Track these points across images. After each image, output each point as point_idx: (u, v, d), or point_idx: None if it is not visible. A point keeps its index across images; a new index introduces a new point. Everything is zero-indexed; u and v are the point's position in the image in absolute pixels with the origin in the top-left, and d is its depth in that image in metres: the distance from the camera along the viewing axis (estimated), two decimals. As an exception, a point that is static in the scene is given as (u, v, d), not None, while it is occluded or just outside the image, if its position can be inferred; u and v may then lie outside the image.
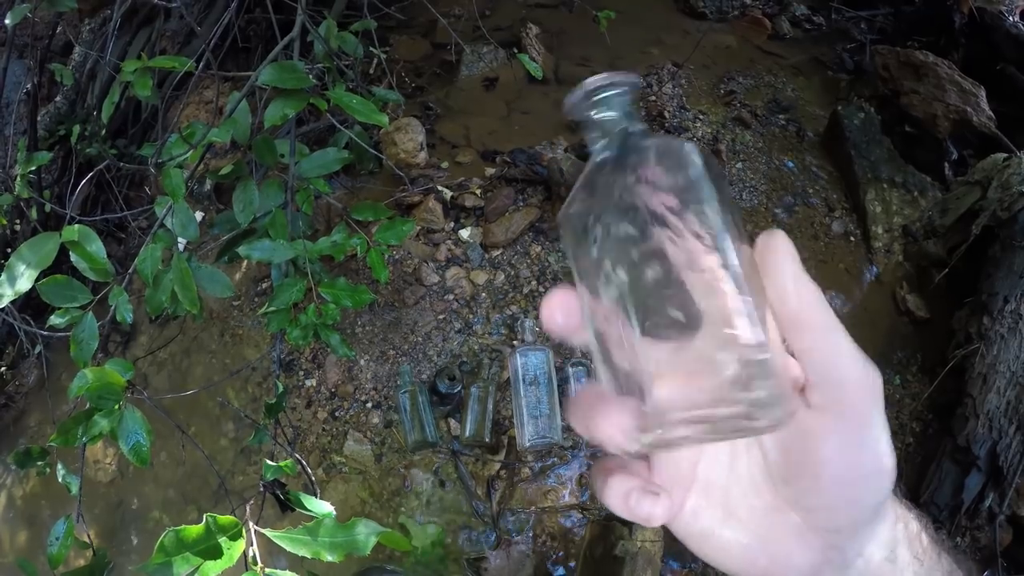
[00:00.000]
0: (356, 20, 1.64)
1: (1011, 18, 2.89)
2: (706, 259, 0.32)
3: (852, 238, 2.35)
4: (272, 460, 1.04)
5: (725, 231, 0.33)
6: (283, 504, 1.13)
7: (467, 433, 1.80)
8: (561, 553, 1.73)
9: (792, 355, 0.35)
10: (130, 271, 1.21)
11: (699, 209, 0.33)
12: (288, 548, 0.75)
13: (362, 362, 1.96)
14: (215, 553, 0.70)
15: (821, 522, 0.37)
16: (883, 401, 0.36)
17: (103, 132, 2.18)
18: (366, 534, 0.74)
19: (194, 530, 0.70)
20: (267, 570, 0.73)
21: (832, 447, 0.35)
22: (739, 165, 2.50)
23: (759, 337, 0.31)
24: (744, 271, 0.33)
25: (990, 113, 2.47)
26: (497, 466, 1.82)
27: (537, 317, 2.02)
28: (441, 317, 2.02)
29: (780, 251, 0.36)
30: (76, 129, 2.08)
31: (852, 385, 0.35)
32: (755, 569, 0.40)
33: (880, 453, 0.35)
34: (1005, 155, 2.24)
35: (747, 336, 0.31)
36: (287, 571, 0.77)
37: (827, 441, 0.35)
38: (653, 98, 2.70)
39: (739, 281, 0.32)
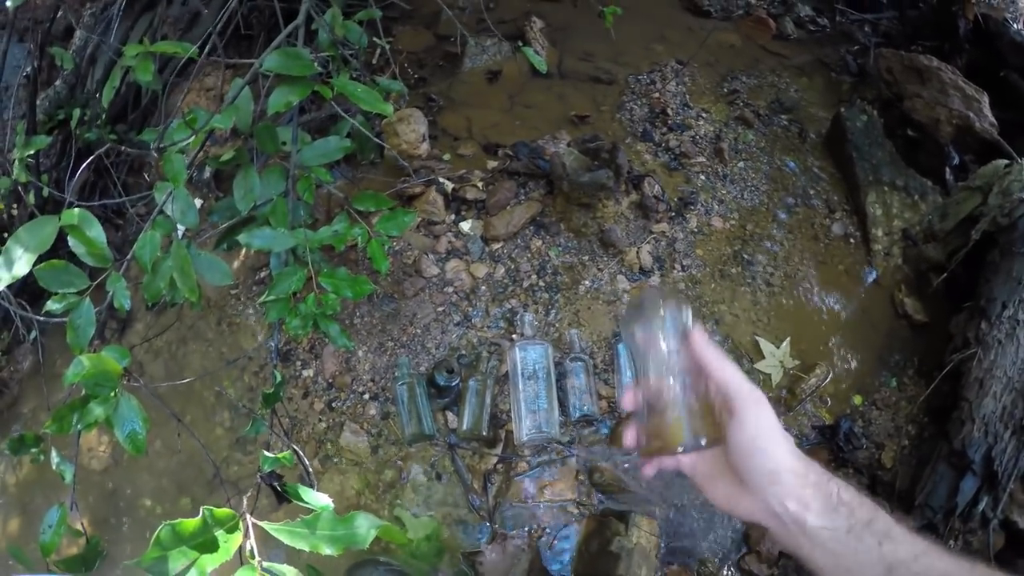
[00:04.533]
0: (360, 9, 1.63)
1: (1015, 25, 2.89)
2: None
3: (852, 240, 2.35)
4: (268, 451, 1.03)
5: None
6: (279, 496, 1.13)
7: (464, 426, 1.79)
8: (557, 548, 1.73)
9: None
10: (128, 257, 1.20)
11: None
12: (286, 541, 0.74)
13: (360, 353, 1.95)
14: (211, 547, 0.69)
15: (743, 479, 0.65)
16: (769, 408, 0.65)
17: (103, 117, 2.16)
18: (365, 527, 0.73)
19: (190, 524, 0.69)
20: (265, 563, 0.72)
21: (734, 432, 0.65)
22: (741, 164, 2.50)
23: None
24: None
25: (992, 119, 2.47)
26: (494, 460, 1.82)
27: (536, 311, 2.01)
28: (440, 309, 2.01)
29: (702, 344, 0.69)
30: (76, 113, 2.06)
31: (742, 399, 0.65)
32: (723, 504, 0.69)
33: (764, 438, 0.63)
34: (1006, 161, 2.24)
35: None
36: (283, 564, 0.76)
37: (732, 429, 0.65)
38: (656, 95, 2.69)
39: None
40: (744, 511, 0.66)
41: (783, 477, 0.62)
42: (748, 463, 0.64)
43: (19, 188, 1.84)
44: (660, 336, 0.69)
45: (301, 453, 1.35)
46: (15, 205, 2.05)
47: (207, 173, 2.25)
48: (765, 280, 2.20)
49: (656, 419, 0.70)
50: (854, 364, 2.10)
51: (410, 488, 1.78)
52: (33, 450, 1.24)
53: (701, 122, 2.62)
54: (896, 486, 1.86)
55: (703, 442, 0.67)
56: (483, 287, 2.06)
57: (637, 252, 2.16)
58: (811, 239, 2.34)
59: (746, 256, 2.24)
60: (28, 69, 2.16)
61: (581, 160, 2.15)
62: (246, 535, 0.77)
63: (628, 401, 0.73)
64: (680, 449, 0.67)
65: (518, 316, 1.99)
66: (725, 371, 0.67)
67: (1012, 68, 2.73)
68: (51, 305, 1.12)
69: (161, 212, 1.20)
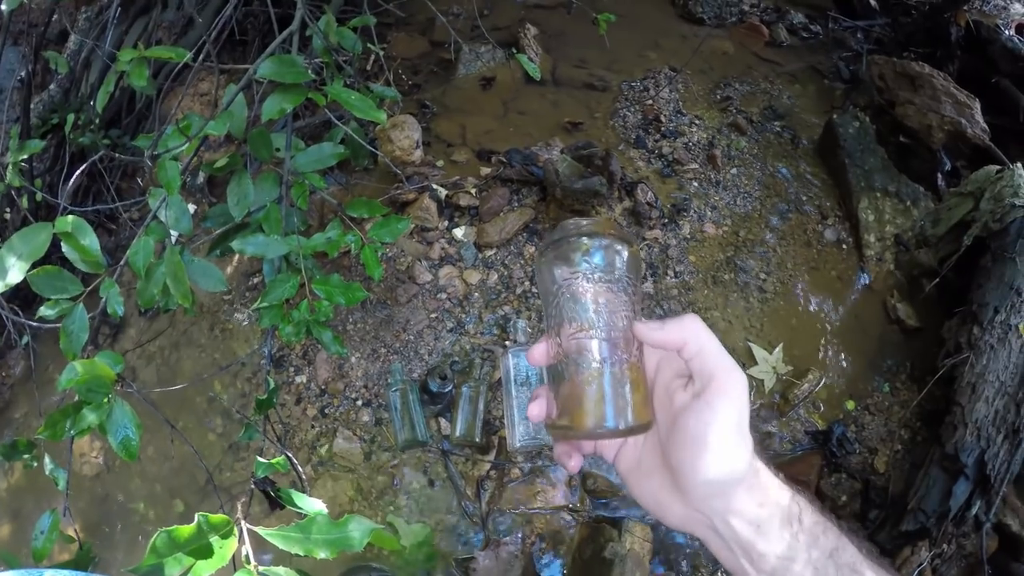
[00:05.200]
0: (355, 15, 1.63)
1: (1007, 32, 2.92)
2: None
3: (844, 246, 2.36)
4: (261, 457, 1.03)
5: None
6: (272, 501, 1.12)
7: (457, 433, 1.79)
8: (550, 554, 1.73)
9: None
10: (121, 263, 1.20)
11: None
12: (281, 546, 0.74)
13: (353, 359, 1.95)
14: (207, 553, 0.69)
15: (679, 482, 0.50)
16: (743, 402, 0.49)
17: (97, 121, 2.15)
18: (360, 532, 0.73)
19: (186, 530, 0.69)
20: (261, 568, 0.72)
21: (682, 420, 0.50)
22: (733, 171, 2.51)
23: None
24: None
25: (984, 125, 2.49)
26: (487, 466, 1.82)
27: (529, 318, 2.01)
28: (433, 316, 2.02)
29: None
30: (70, 118, 2.06)
31: (717, 377, 0.49)
32: (651, 507, 0.55)
33: (724, 440, 0.48)
34: (998, 167, 2.26)
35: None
36: (277, 567, 0.76)
37: (681, 415, 0.50)
38: (650, 102, 2.70)
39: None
40: (675, 520, 0.53)
41: (733, 489, 0.49)
42: (691, 463, 0.49)
43: (12, 192, 1.83)
44: (582, 278, 0.54)
45: (294, 459, 1.35)
46: (9, 210, 2.05)
47: (201, 179, 2.24)
48: (758, 286, 2.21)
49: (566, 388, 0.53)
50: (847, 369, 2.11)
51: (403, 494, 1.78)
52: (26, 456, 1.24)
53: (694, 129, 2.63)
54: (889, 490, 1.86)
55: (625, 426, 0.51)
56: (476, 293, 2.06)
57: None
58: (804, 245, 2.35)
59: (739, 262, 2.25)
60: (22, 73, 2.16)
61: (574, 167, 2.16)
62: (241, 541, 0.77)
63: (537, 354, 0.56)
64: (592, 431, 0.52)
65: (511, 322, 1.99)
66: (695, 335, 0.51)
67: (1004, 74, 2.75)
68: (44, 311, 1.12)
69: (155, 218, 1.20)
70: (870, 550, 0.51)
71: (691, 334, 0.51)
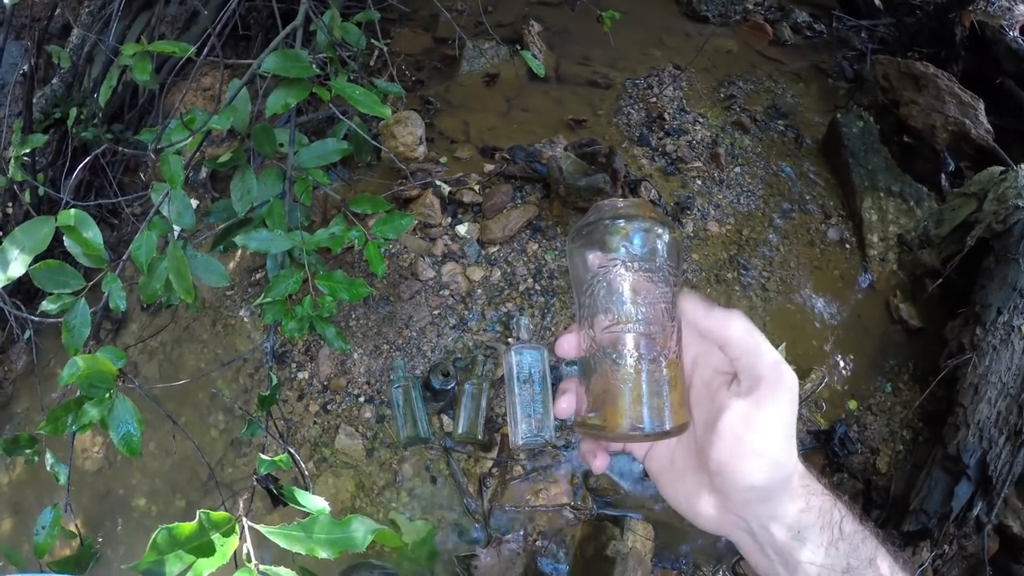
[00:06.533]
0: (358, 11, 1.63)
1: (1011, 33, 2.91)
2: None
3: (847, 245, 2.36)
4: (263, 453, 1.03)
5: None
6: (275, 498, 1.12)
7: (460, 430, 1.79)
8: (552, 552, 1.73)
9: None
10: (124, 258, 1.20)
11: None
12: (283, 544, 0.74)
13: (355, 356, 1.94)
14: (208, 550, 0.69)
15: (719, 484, 0.48)
16: (794, 405, 0.46)
17: (100, 116, 2.15)
18: (362, 531, 0.73)
19: (187, 527, 0.69)
20: (261, 567, 0.72)
21: (727, 421, 0.46)
22: (737, 169, 2.50)
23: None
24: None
25: (988, 126, 2.48)
26: (489, 464, 1.82)
27: (532, 315, 2.01)
28: (436, 312, 2.01)
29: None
30: (72, 112, 2.05)
31: (765, 377, 0.46)
32: (682, 508, 0.52)
33: (768, 440, 0.45)
34: (1002, 168, 2.26)
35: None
36: (277, 566, 0.76)
37: (726, 416, 0.47)
38: (654, 100, 2.69)
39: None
40: (709, 522, 0.51)
41: (778, 495, 0.47)
42: (735, 466, 0.46)
43: (15, 187, 1.83)
44: (620, 265, 0.49)
45: (296, 456, 1.35)
46: (11, 204, 2.04)
47: (204, 174, 2.24)
48: (761, 285, 2.21)
49: (599, 384, 0.49)
50: (849, 369, 2.10)
51: (405, 491, 1.78)
52: (27, 451, 1.24)
53: (698, 127, 2.62)
54: (891, 491, 1.86)
55: (662, 429, 0.48)
56: (479, 290, 2.06)
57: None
58: (807, 244, 2.34)
59: (742, 261, 2.24)
60: (25, 67, 2.15)
61: (578, 164, 2.15)
62: (242, 538, 0.76)
63: (567, 345, 0.52)
64: (626, 433, 0.48)
65: (514, 319, 1.99)
66: (744, 332, 0.48)
67: (1008, 75, 2.75)
68: (46, 305, 1.11)
69: (157, 213, 1.20)
70: (907, 561, 0.50)
71: (740, 331, 0.48)
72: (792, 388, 0.46)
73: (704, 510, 0.50)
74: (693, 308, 0.50)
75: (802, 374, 2.03)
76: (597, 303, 0.50)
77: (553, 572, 1.71)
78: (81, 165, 1.45)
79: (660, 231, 0.50)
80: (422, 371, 1.91)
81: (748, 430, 0.46)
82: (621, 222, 0.50)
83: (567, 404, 0.52)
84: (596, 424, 0.49)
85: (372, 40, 1.69)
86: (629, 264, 0.49)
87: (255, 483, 1.09)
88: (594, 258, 0.50)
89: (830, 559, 0.47)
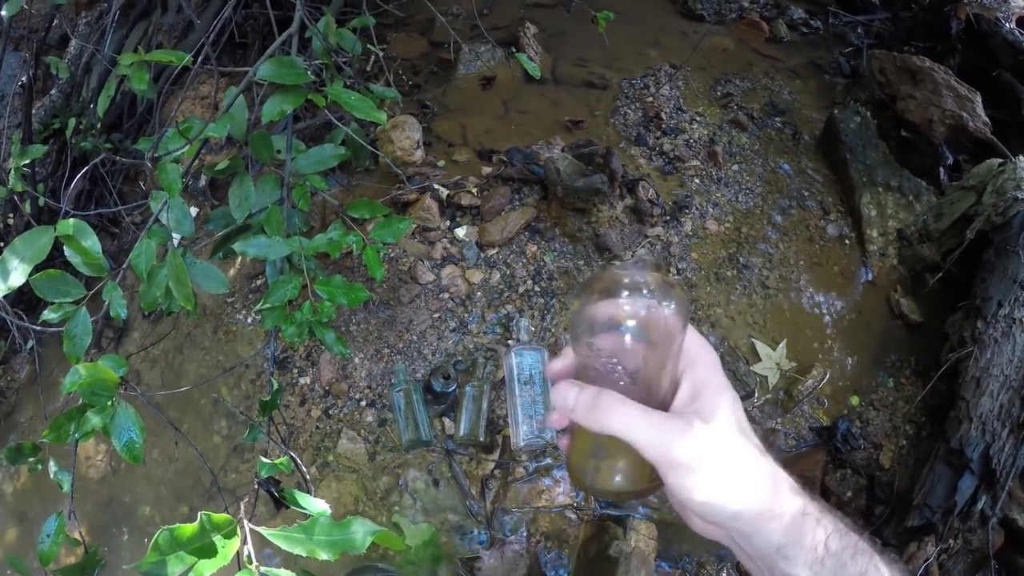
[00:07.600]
0: (354, 16, 1.63)
1: (1007, 25, 2.90)
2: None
3: (847, 241, 2.36)
4: (266, 458, 1.03)
5: None
6: (277, 502, 1.13)
7: (461, 432, 1.80)
8: (555, 553, 1.73)
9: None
10: (124, 266, 1.20)
11: None
12: (284, 546, 0.74)
13: (356, 360, 1.95)
14: (209, 552, 0.70)
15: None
16: (736, 430, 0.48)
17: (98, 126, 2.16)
18: (362, 533, 0.73)
19: (188, 529, 0.69)
20: (263, 569, 0.72)
21: (671, 488, 0.48)
22: (735, 167, 2.51)
23: None
24: None
25: (986, 119, 2.48)
26: (491, 465, 1.82)
27: (532, 316, 2.02)
28: (436, 316, 2.02)
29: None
30: (71, 122, 2.07)
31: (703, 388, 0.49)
32: (678, 510, 0.52)
33: (716, 502, 0.47)
34: (1000, 160, 2.25)
35: None
36: (280, 569, 0.76)
37: (668, 479, 0.48)
38: (650, 99, 2.70)
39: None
40: (698, 530, 0.53)
41: (753, 522, 0.48)
42: (694, 514, 0.50)
43: (15, 197, 1.84)
44: (627, 338, 0.49)
45: (299, 460, 1.35)
46: (11, 214, 2.06)
47: (202, 181, 2.25)
48: (760, 282, 2.21)
49: (582, 438, 0.52)
50: (851, 365, 2.10)
51: (408, 494, 1.78)
52: (31, 459, 1.24)
53: (695, 126, 2.63)
54: (895, 486, 1.86)
55: (646, 488, 0.50)
56: (479, 293, 2.06)
57: (632, 256, 2.16)
58: (806, 241, 2.34)
59: (741, 259, 2.25)
60: (23, 78, 2.16)
61: (575, 165, 2.16)
62: (243, 540, 0.77)
63: (558, 368, 0.55)
64: (582, 486, 0.51)
65: (514, 321, 1.99)
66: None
67: (1005, 67, 2.74)
68: (48, 314, 1.12)
69: (157, 221, 1.21)
70: (904, 570, 0.49)
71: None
72: (725, 389, 0.49)
73: (690, 519, 0.52)
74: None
75: (803, 371, 2.03)
76: (596, 367, 0.51)
77: (555, 573, 1.71)
78: (80, 175, 1.47)
79: (667, 303, 0.49)
80: (423, 374, 1.92)
81: (691, 497, 0.47)
82: (625, 304, 0.49)
83: (559, 417, 0.53)
84: (575, 475, 0.53)
85: (368, 45, 1.70)
86: (635, 338, 0.49)
87: (257, 487, 1.10)
88: (597, 327, 0.50)
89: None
